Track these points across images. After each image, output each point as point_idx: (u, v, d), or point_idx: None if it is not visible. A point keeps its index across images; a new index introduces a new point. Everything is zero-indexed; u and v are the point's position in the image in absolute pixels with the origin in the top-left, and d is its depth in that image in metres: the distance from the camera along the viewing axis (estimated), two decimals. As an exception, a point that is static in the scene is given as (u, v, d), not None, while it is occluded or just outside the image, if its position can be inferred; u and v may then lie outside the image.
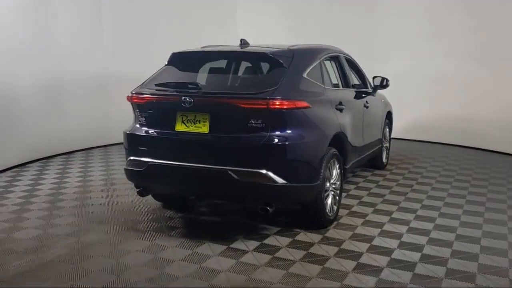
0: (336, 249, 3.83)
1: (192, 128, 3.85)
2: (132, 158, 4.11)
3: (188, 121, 3.86)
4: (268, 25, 9.96)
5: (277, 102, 3.62)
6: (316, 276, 3.34)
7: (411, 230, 4.27)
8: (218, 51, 4.52)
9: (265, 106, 3.63)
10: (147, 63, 8.81)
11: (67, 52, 7.66)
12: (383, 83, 5.80)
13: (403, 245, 3.91)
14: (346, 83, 5.14)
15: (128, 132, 4.19)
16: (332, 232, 4.21)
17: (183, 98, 3.79)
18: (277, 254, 3.72)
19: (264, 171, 3.63)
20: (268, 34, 9.60)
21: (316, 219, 4.15)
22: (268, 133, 3.66)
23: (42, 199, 5.21)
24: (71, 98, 7.86)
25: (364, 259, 3.63)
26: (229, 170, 3.66)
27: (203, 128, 3.80)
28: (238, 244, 3.92)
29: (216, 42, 9.27)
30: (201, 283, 3.23)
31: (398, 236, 4.13)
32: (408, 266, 3.52)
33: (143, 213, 4.72)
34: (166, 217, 4.61)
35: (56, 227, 4.32)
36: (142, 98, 4.08)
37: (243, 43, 4.53)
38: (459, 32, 8.35)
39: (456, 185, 5.90)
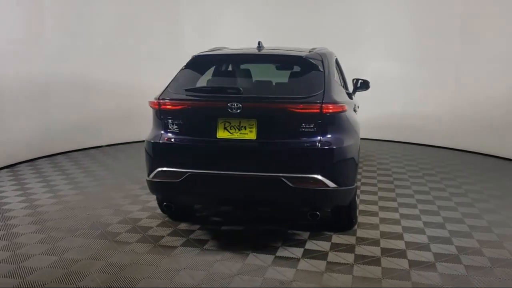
0: (378, 248, 3.92)
1: (236, 135, 3.67)
2: (162, 169, 3.80)
3: (232, 128, 3.67)
4: (213, 23, 9.81)
5: (329, 106, 3.61)
6: (383, 277, 3.39)
7: (427, 225, 4.51)
8: (246, 53, 4.34)
9: (317, 111, 3.59)
10: (95, 64, 8.28)
11: (5, 52, 6.80)
12: (364, 85, 6.00)
13: (433, 240, 4.12)
14: (345, 86, 5.27)
15: (154, 141, 3.86)
16: (361, 233, 4.29)
17: (230, 104, 3.60)
18: (329, 259, 3.70)
19: (318, 176, 3.59)
20: (213, 33, 9.49)
21: (349, 220, 4.21)
22: (320, 138, 3.63)
23: (23, 220, 4.59)
24: (10, 105, 6.98)
25: (412, 256, 3.76)
26: (282, 177, 3.56)
27: (250, 134, 3.65)
28: (283, 252, 3.83)
29: (163, 38, 8.98)
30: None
31: (421, 231, 4.35)
32: (453, 258, 3.72)
33: (156, 228, 4.38)
34: (185, 230, 4.33)
35: (70, 251, 3.84)
36: (175, 104, 3.79)
37: (260, 45, 4.41)
38: (401, 35, 8.99)
39: (429, 179, 6.36)
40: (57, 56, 7.70)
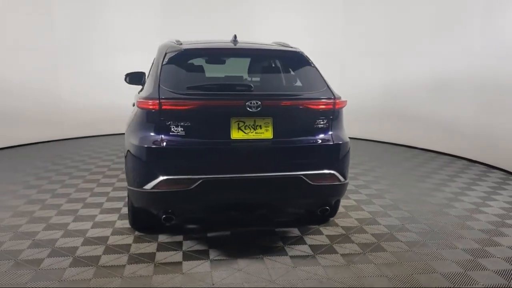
0: (369, 235, 4.15)
1: (252, 135, 3.45)
2: (167, 177, 3.36)
3: (247, 127, 3.44)
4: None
5: (339, 101, 3.66)
6: (399, 261, 3.61)
7: (385, 208, 4.94)
8: (239, 48, 4.02)
9: (331, 106, 3.61)
10: None
11: None
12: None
13: (403, 221, 4.54)
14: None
15: (152, 146, 3.38)
16: (340, 222, 4.48)
17: (249, 102, 3.36)
18: (340, 251, 3.79)
19: (332, 172, 3.63)
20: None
21: (335, 212, 4.34)
22: (331, 133, 3.67)
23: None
24: None
25: (402, 238, 4.09)
26: (302, 175, 3.50)
27: (266, 133, 3.48)
28: (293, 252, 3.78)
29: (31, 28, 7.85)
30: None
31: (385, 214, 4.74)
32: (434, 235, 4.16)
33: (137, 245, 3.86)
34: (171, 242, 3.91)
35: (60, 283, 3.15)
36: (182, 104, 3.37)
37: (236, 39, 4.20)
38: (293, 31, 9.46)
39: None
40: None
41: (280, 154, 3.53)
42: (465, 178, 6.27)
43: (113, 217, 4.53)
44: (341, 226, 4.35)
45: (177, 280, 3.26)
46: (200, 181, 3.35)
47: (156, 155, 3.38)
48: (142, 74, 5.31)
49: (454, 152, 7.62)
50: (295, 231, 4.21)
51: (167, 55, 3.76)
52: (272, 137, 3.49)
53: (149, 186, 3.40)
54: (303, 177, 3.50)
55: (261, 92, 3.54)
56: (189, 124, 3.38)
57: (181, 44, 4.04)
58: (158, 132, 3.41)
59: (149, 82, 3.76)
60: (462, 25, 7.26)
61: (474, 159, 7.24)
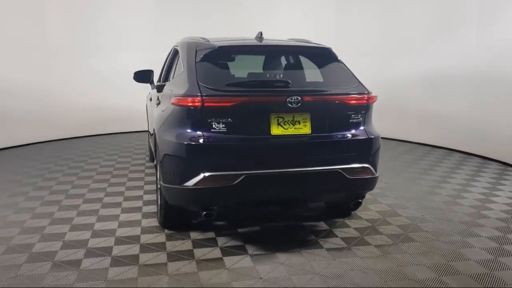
0: (394, 227, 4.27)
1: (291, 130, 3.50)
2: (209, 174, 3.38)
3: (286, 123, 3.49)
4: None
5: (372, 96, 3.76)
6: (431, 251, 3.74)
7: (400, 199, 5.08)
8: (270, 45, 4.05)
9: (365, 101, 3.70)
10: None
11: None
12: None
13: (422, 212, 4.68)
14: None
15: (193, 143, 3.38)
16: (363, 215, 4.59)
17: (290, 98, 3.41)
18: (372, 243, 3.89)
19: (367, 165, 3.72)
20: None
21: (360, 205, 4.44)
22: (365, 127, 3.76)
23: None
24: None
25: (427, 228, 4.23)
26: (340, 169, 3.58)
27: (305, 129, 3.53)
28: (327, 244, 3.85)
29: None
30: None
31: (403, 206, 4.88)
32: (447, 223, 4.32)
33: (172, 243, 3.85)
34: (205, 239, 3.93)
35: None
36: (225, 101, 3.38)
37: (261, 36, 4.23)
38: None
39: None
40: None
41: (319, 149, 3.59)
42: (466, 169, 6.49)
43: (137, 216, 4.50)
44: (365, 219, 4.45)
45: (224, 275, 3.28)
46: (243, 176, 3.37)
47: (198, 152, 3.39)
48: (151, 72, 5.28)
49: (449, 145, 7.87)
50: (322, 225, 4.29)
51: (199, 52, 3.76)
52: (310, 132, 3.55)
53: (191, 183, 3.40)
54: (341, 171, 3.57)
55: (301, 88, 3.59)
56: (230, 120, 3.40)
57: (208, 41, 4.04)
58: (199, 129, 3.41)
59: (181, 80, 3.75)
60: (458, 24, 7.50)
61: (469, 152, 7.49)
